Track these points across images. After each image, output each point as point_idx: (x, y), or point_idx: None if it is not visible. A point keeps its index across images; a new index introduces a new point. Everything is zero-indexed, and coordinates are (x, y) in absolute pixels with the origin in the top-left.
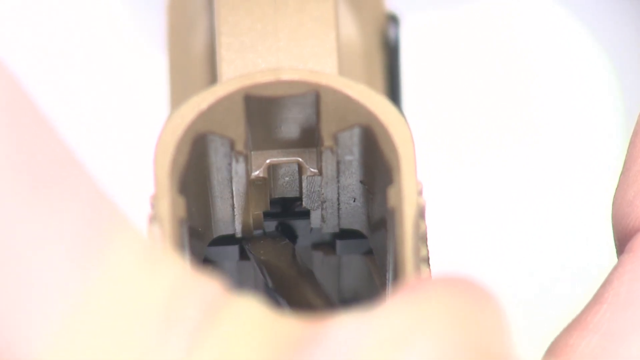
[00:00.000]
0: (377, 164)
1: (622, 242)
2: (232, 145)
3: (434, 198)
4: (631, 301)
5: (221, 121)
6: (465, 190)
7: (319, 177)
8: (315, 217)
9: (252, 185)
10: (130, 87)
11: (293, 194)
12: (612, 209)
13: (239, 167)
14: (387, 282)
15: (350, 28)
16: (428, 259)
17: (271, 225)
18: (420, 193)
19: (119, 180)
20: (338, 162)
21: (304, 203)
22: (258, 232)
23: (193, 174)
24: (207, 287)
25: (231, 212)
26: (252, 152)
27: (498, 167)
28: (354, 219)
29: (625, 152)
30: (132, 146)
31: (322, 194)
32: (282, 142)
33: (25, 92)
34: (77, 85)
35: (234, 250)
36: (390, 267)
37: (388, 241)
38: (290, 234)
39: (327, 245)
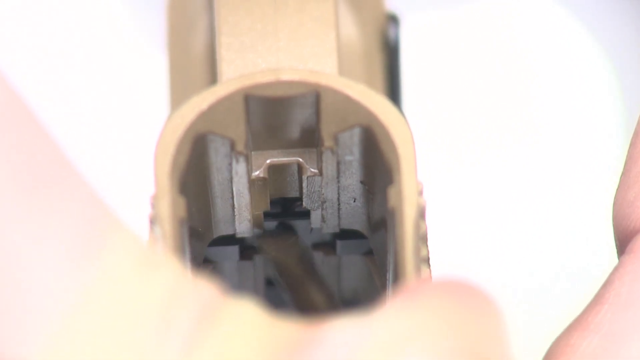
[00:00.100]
0: (377, 164)
1: (622, 243)
2: (232, 146)
3: (434, 198)
4: (632, 302)
5: (221, 121)
6: (465, 190)
7: (319, 177)
8: (315, 217)
9: (253, 185)
10: (130, 87)
11: (293, 194)
12: (613, 209)
13: (239, 167)
14: (387, 282)
15: (350, 28)
16: (428, 259)
17: (271, 226)
18: (420, 193)
19: (119, 180)
20: (338, 163)
21: (304, 203)
22: (268, 226)
23: (193, 174)
24: (204, 290)
25: (231, 212)
26: (252, 152)
27: (498, 167)
28: (354, 219)
29: (625, 152)
30: (132, 146)
31: (323, 194)
32: (282, 142)
33: (20, 95)
34: (77, 85)
35: (234, 250)
36: (390, 268)
37: (388, 241)
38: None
39: (327, 245)
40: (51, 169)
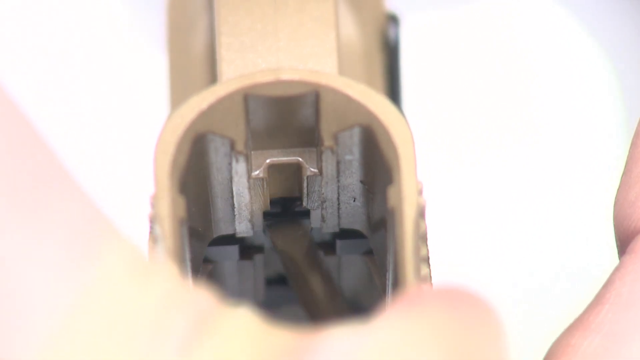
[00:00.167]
0: (377, 164)
1: (623, 243)
2: (232, 145)
3: (434, 198)
4: (633, 302)
5: (221, 121)
6: (465, 190)
7: (319, 177)
8: (315, 217)
9: (252, 185)
10: (130, 87)
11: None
12: (614, 210)
13: (239, 167)
14: (387, 282)
15: (350, 28)
16: (428, 258)
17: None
18: (420, 193)
19: (119, 179)
20: (338, 162)
21: (304, 203)
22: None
23: (193, 173)
24: (201, 297)
25: (231, 212)
26: (252, 152)
27: (498, 167)
28: (354, 219)
29: (625, 152)
30: (132, 146)
31: (322, 193)
32: (282, 142)
33: (15, 103)
34: (77, 85)
35: (234, 250)
36: (390, 267)
37: (388, 241)
38: None
39: (327, 245)
40: (46, 176)
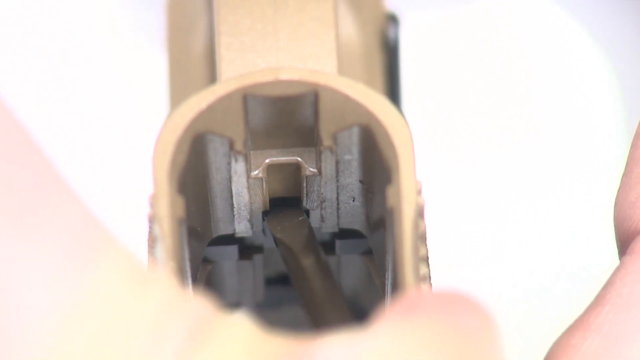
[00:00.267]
0: (376, 164)
1: (624, 244)
2: (231, 145)
3: (433, 198)
4: (633, 302)
5: (220, 121)
6: (465, 190)
7: (318, 177)
8: (314, 217)
9: (252, 184)
10: (130, 87)
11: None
12: (614, 210)
13: (238, 167)
14: (386, 281)
15: (350, 28)
16: (427, 258)
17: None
18: (419, 192)
19: (119, 179)
20: (337, 162)
21: (303, 203)
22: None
23: (192, 173)
24: (198, 305)
25: (230, 211)
26: (251, 152)
27: (498, 167)
28: (353, 219)
29: (625, 152)
30: (132, 146)
31: (322, 193)
32: (281, 141)
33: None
34: (76, 84)
35: (233, 250)
36: (389, 267)
37: (387, 241)
38: None
39: (326, 245)
40: (43, 185)
